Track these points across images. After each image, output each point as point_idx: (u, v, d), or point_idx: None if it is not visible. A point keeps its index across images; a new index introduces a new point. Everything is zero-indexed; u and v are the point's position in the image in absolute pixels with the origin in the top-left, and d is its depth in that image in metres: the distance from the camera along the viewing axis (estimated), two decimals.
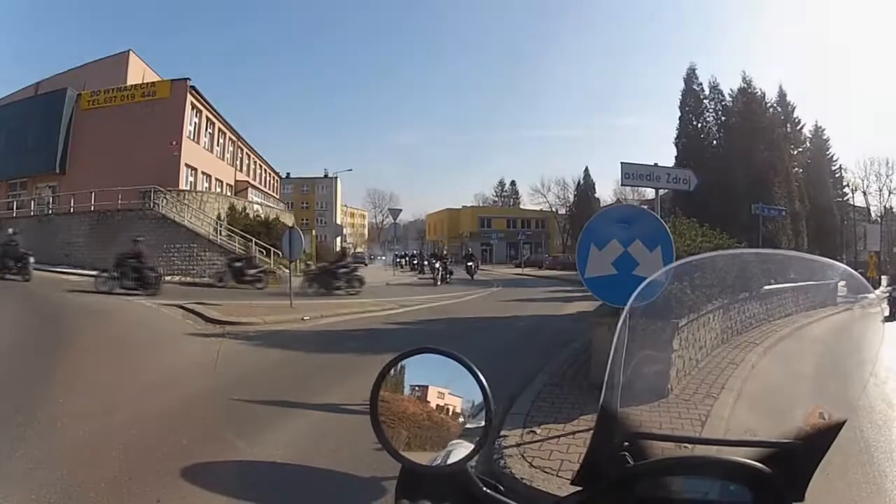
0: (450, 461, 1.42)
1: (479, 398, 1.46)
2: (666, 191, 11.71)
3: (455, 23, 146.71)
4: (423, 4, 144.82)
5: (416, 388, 1.51)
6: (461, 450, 1.44)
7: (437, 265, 37.47)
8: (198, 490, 5.38)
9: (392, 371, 1.51)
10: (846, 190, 52.44)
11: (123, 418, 7.29)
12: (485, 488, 1.43)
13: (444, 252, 50.45)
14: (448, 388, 1.50)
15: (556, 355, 11.34)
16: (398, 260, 54.86)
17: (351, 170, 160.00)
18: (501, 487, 1.47)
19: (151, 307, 17.71)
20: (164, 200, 33.81)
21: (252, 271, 26.33)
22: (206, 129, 44.00)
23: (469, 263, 44.07)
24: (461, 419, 1.49)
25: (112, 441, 6.39)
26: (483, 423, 1.44)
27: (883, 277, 30.78)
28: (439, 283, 35.35)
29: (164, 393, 8.67)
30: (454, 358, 1.48)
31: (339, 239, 58.84)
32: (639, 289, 1.64)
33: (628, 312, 1.61)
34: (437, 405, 1.50)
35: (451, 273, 38.79)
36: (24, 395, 7.95)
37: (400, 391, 1.51)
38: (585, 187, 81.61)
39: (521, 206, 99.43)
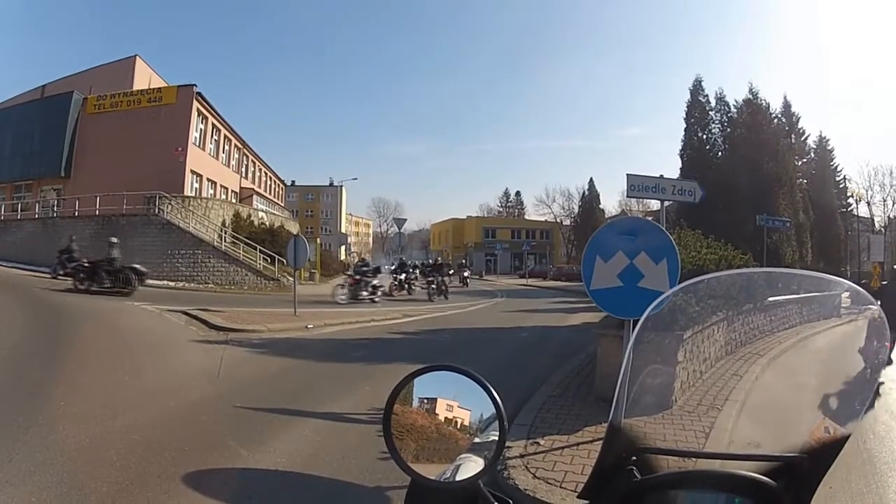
0: (459, 476, 1.42)
1: (487, 412, 1.46)
2: (671, 202, 11.71)
3: (461, 33, 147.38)
4: (430, 15, 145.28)
5: (426, 401, 1.51)
6: (471, 465, 1.44)
7: (357, 277, 27.69)
8: (199, 497, 5.38)
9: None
10: (850, 200, 52.32)
11: (125, 423, 7.30)
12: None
13: (390, 263, 41.45)
14: (456, 401, 1.50)
15: (559, 367, 11.32)
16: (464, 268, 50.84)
17: (356, 179, 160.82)
18: (510, 502, 1.48)
19: (154, 312, 17.69)
20: (169, 206, 33.87)
21: (73, 264, 25.00)
22: (212, 136, 44.11)
23: (432, 280, 32.27)
24: (470, 433, 1.49)
25: (113, 446, 6.39)
26: (493, 438, 1.45)
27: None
28: (342, 299, 26.06)
29: (167, 399, 8.65)
30: (467, 374, 1.49)
31: (343, 248, 58.86)
32: (652, 305, 1.65)
33: (640, 327, 1.61)
34: (446, 418, 1.50)
35: (375, 290, 27.85)
36: (25, 398, 7.96)
37: (409, 404, 1.51)
38: (590, 198, 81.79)
39: (526, 217, 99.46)
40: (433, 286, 31.50)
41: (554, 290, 42.69)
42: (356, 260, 40.22)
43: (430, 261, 36.03)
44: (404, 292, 32.68)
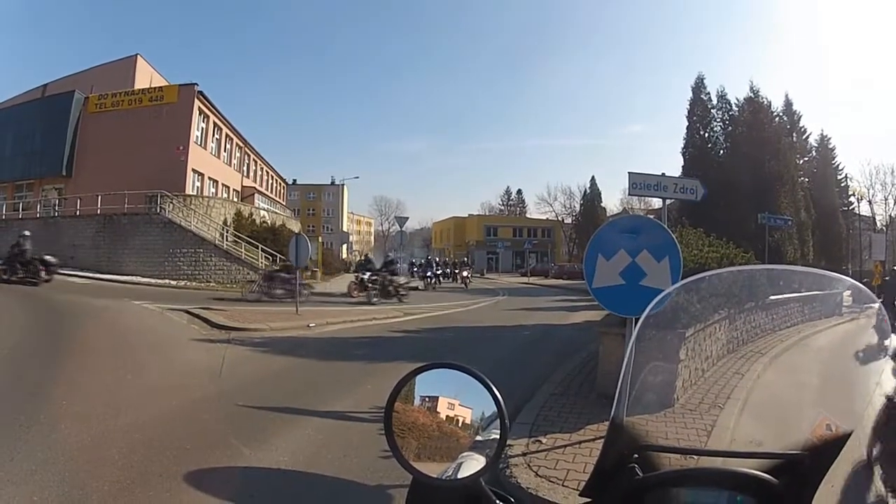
0: (461, 474, 1.41)
1: (489, 410, 1.46)
2: (673, 200, 11.72)
3: (460, 33, 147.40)
4: (430, 15, 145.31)
5: (427, 399, 1.51)
6: (472, 463, 1.44)
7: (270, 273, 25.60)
8: (201, 495, 5.38)
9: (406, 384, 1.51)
10: (852, 199, 52.29)
11: (127, 422, 7.29)
12: (498, 501, 1.43)
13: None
14: (458, 399, 1.50)
15: (561, 365, 11.31)
16: (415, 270, 47.36)
17: (358, 177, 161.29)
18: (513, 500, 1.48)
19: (156, 311, 17.71)
20: (171, 205, 33.92)
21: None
22: (213, 135, 44.12)
23: (376, 279, 27.34)
24: (472, 431, 1.49)
25: (115, 444, 6.39)
26: (494, 436, 1.44)
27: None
28: (251, 296, 24.39)
29: (169, 397, 8.66)
30: (468, 372, 1.49)
31: (344, 246, 58.76)
32: (651, 304, 1.65)
33: (642, 325, 1.61)
34: (448, 416, 1.50)
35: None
36: (26, 397, 7.97)
37: (411, 402, 1.51)
38: (592, 196, 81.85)
39: (528, 215, 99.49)
40: (376, 287, 26.79)
41: (556, 289, 42.67)
42: (358, 258, 39.38)
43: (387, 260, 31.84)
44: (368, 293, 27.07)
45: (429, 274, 41.32)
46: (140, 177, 33.80)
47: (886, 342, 1.54)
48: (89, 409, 7.64)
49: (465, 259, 57.32)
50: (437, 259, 52.65)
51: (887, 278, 17.42)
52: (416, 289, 33.80)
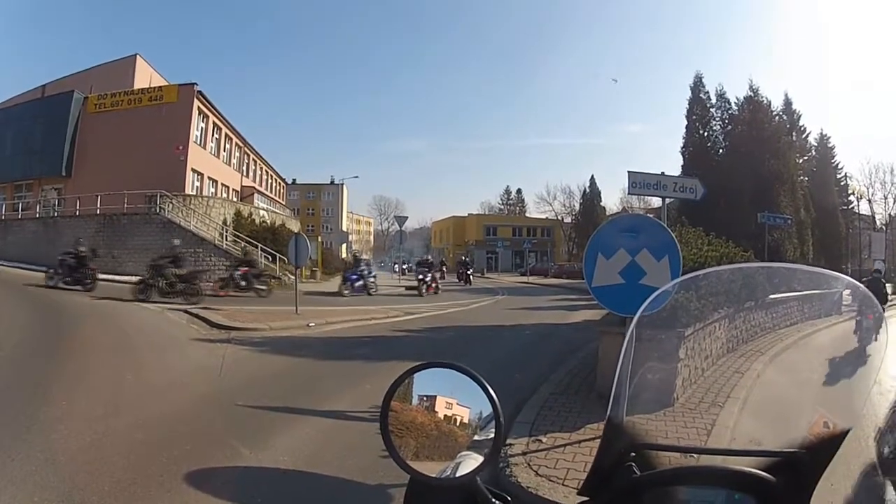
0: (459, 473, 1.42)
1: (487, 410, 1.46)
2: (672, 199, 11.73)
3: (461, 30, 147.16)
4: (430, 11, 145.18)
5: (425, 399, 1.51)
6: (470, 462, 1.44)
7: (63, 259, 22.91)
8: (202, 495, 5.38)
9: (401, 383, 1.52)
10: (851, 198, 52.26)
11: (127, 422, 7.29)
12: (494, 500, 1.44)
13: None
14: (456, 398, 1.50)
15: (561, 364, 11.31)
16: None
17: (357, 176, 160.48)
18: (509, 498, 1.48)
19: (156, 311, 17.71)
20: (170, 205, 33.87)
21: None
22: (213, 135, 44.01)
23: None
24: (469, 431, 1.49)
25: (116, 444, 6.40)
26: (491, 436, 1.45)
27: (888, 285, 30.55)
28: (51, 283, 22.36)
29: (169, 397, 8.67)
30: (464, 371, 1.49)
31: (344, 246, 58.67)
32: (648, 301, 1.65)
33: (637, 323, 1.61)
34: (446, 416, 1.50)
35: (86, 275, 22.65)
36: (26, 397, 7.95)
37: (409, 401, 1.51)
38: (591, 196, 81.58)
39: (527, 215, 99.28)
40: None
41: (555, 288, 42.50)
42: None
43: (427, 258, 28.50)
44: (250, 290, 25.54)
45: (353, 276, 29.87)
46: (139, 176, 33.71)
47: (883, 339, 1.55)
48: (90, 409, 7.64)
49: (429, 256, 43.36)
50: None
51: (868, 279, 17.36)
52: (338, 294, 28.57)
